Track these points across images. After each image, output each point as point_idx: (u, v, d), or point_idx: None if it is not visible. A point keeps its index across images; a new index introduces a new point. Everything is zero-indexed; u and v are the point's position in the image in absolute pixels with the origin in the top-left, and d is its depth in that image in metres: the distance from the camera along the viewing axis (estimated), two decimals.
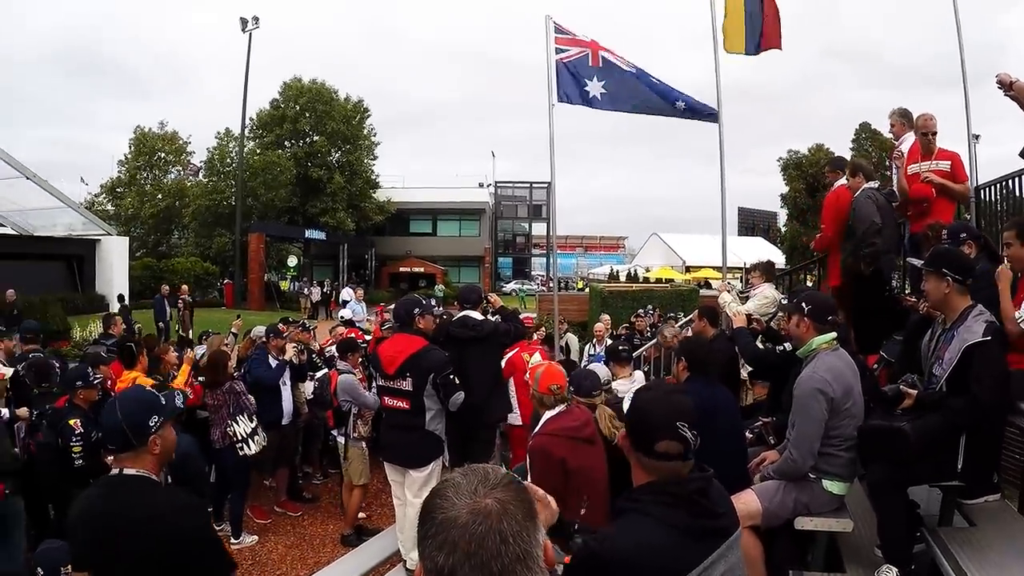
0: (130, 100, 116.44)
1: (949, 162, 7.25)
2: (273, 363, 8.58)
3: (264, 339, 9.09)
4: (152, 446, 2.96)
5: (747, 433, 5.52)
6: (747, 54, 9.25)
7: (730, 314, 7.25)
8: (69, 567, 4.52)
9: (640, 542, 2.26)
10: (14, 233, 27.05)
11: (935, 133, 7.41)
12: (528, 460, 4.52)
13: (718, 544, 2.33)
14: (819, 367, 4.27)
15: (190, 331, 20.42)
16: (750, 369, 7.43)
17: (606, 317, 14.28)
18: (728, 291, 7.91)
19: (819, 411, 4.14)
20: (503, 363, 7.78)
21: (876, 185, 7.13)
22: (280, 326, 9.42)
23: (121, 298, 24.19)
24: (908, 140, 7.81)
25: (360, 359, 8.76)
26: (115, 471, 2.95)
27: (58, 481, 6.23)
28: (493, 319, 7.21)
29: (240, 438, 7.59)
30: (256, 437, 7.71)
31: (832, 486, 4.29)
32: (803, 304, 4.49)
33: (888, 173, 8.64)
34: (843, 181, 7.63)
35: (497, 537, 1.34)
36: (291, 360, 8.85)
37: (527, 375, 5.66)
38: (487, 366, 6.93)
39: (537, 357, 7.71)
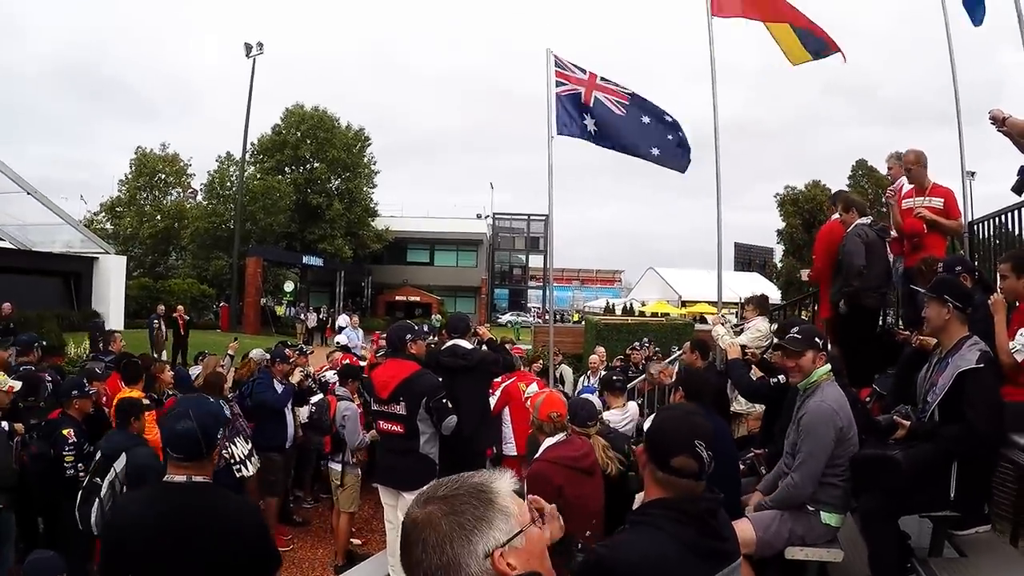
0: (133, 121, 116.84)
1: (942, 199, 7.30)
2: (279, 387, 8.56)
3: (268, 363, 9.09)
4: (214, 456, 3.07)
5: (739, 464, 5.55)
6: (815, 59, 9.30)
7: (723, 347, 7.28)
8: None
9: (648, 553, 2.28)
10: (12, 247, 27.03)
11: (913, 166, 7.48)
12: (525, 486, 4.53)
13: (722, 567, 2.37)
14: (827, 397, 4.31)
15: (163, 352, 20.11)
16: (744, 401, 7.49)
17: (601, 349, 14.31)
18: (722, 323, 7.95)
19: (829, 439, 4.18)
20: (498, 393, 7.82)
21: (868, 221, 7.17)
22: (287, 351, 9.41)
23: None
24: (906, 182, 7.88)
25: (357, 386, 8.78)
26: (181, 478, 2.99)
27: (50, 492, 6.23)
28: (482, 349, 7.25)
29: (238, 460, 7.56)
30: (252, 459, 7.69)
31: (829, 518, 4.30)
32: (816, 339, 4.53)
33: (884, 210, 8.70)
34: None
35: (419, 547, 1.45)
36: (296, 385, 8.86)
37: (527, 403, 5.69)
38: (476, 395, 6.95)
39: (534, 387, 7.74)
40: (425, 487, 1.57)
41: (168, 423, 3.07)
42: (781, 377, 5.70)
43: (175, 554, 2.85)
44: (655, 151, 9.23)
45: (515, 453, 7.66)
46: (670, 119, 9.23)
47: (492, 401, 7.61)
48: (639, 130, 9.21)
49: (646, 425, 2.71)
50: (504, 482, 1.57)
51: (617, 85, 9.16)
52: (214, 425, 3.03)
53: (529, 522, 1.55)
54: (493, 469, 1.64)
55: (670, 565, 2.27)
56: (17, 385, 6.68)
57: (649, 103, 9.22)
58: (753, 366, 6.74)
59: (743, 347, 7.03)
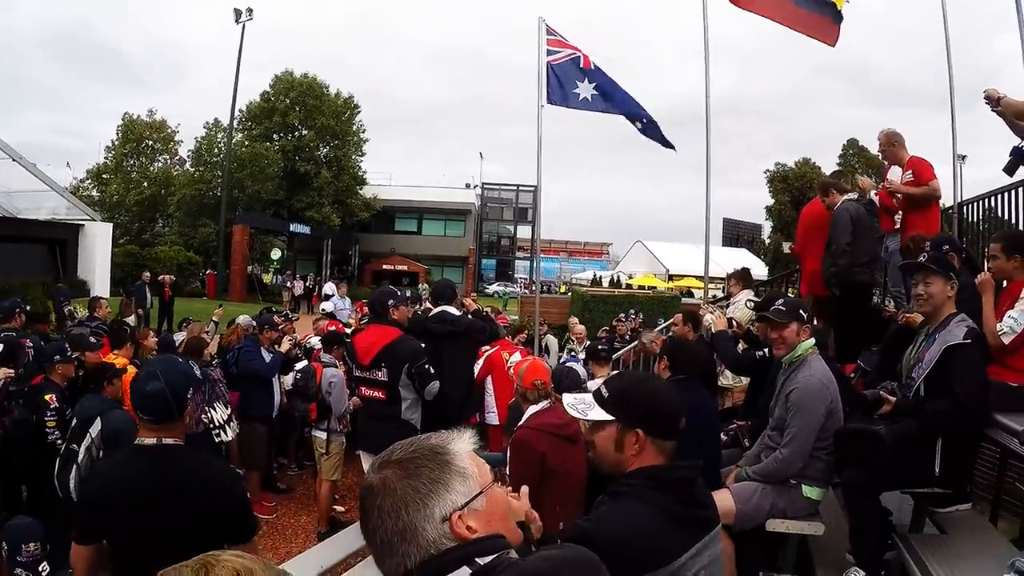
0: (121, 87, 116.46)
1: (912, 170, 7.25)
2: (267, 356, 8.48)
3: (256, 330, 9.01)
4: (186, 417, 3.02)
5: (722, 436, 5.54)
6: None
7: (713, 330, 7.25)
8: (31, 545, 4.50)
9: (632, 525, 2.26)
10: None
11: (885, 147, 7.48)
12: (507, 453, 4.52)
13: (703, 534, 2.35)
14: (815, 371, 4.31)
15: (132, 316, 19.55)
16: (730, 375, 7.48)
17: (575, 319, 14.35)
18: (711, 312, 7.92)
19: (820, 414, 4.19)
20: (481, 361, 7.81)
21: (855, 196, 7.14)
22: (276, 319, 9.33)
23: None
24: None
25: (342, 352, 8.74)
26: (151, 441, 2.95)
27: (32, 459, 6.17)
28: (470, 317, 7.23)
29: (217, 424, 7.52)
30: (231, 424, 7.65)
31: (810, 492, 4.31)
32: (801, 312, 4.53)
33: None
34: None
35: (375, 513, 1.43)
36: (284, 353, 8.80)
37: (510, 372, 5.65)
38: (464, 362, 6.93)
39: (517, 356, 7.73)
40: (383, 453, 1.54)
41: (137, 385, 3.03)
42: (766, 350, 5.69)
43: (148, 517, 2.82)
44: (639, 124, 9.25)
45: (497, 422, 7.68)
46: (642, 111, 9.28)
47: (476, 369, 7.61)
48: (629, 100, 9.23)
49: (593, 414, 2.56)
50: (462, 443, 1.56)
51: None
52: (184, 385, 2.98)
53: (490, 483, 1.54)
54: (455, 430, 1.61)
55: (654, 535, 2.25)
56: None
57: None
58: (739, 339, 6.74)
59: (730, 319, 7.02)
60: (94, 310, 12.08)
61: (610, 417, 2.45)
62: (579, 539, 2.23)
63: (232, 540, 2.94)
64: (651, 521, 2.27)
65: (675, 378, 4.79)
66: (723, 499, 4.15)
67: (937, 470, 4.07)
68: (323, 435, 7.93)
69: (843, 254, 6.72)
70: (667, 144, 9.49)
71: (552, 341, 14.28)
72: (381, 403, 6.03)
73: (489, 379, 7.88)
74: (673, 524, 2.29)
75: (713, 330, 6.73)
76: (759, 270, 52.31)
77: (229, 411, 7.68)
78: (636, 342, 10.98)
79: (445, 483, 1.46)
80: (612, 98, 9.05)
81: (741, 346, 6.68)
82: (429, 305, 7.77)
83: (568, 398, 2.66)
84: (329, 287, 22.75)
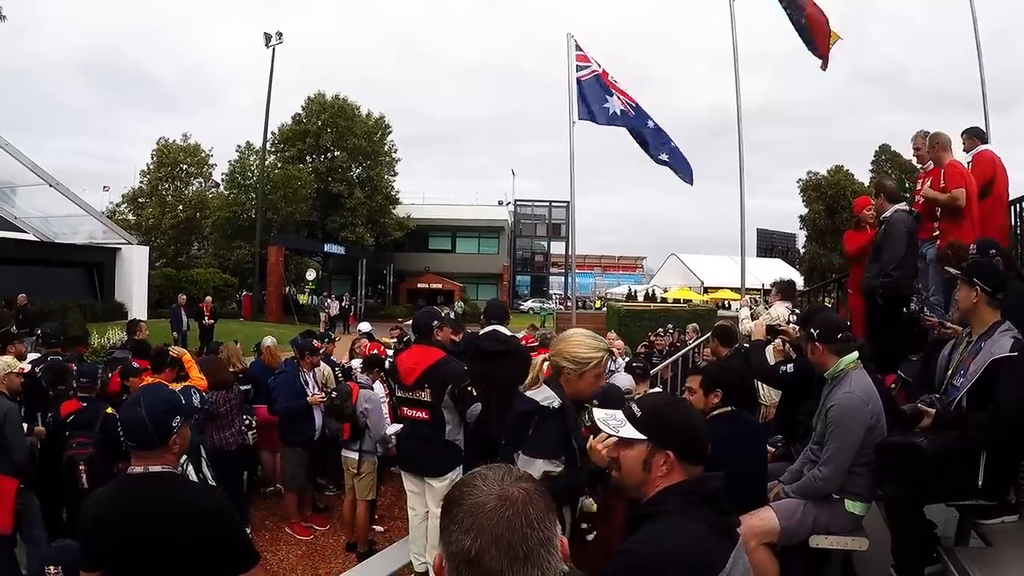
0: (155, 112, 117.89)
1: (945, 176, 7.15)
2: (310, 381, 8.56)
3: (296, 356, 8.89)
4: (172, 445, 2.99)
5: (770, 448, 5.48)
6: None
7: (744, 330, 7.16)
8: (51, 568, 4.54)
9: (684, 541, 2.22)
10: (36, 239, 27.26)
11: (942, 151, 7.37)
12: None
13: (735, 543, 2.33)
14: (855, 387, 4.25)
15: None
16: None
17: (613, 335, 14.25)
18: (748, 306, 7.84)
19: (859, 432, 4.13)
20: None
21: (907, 208, 7.07)
22: (315, 343, 9.31)
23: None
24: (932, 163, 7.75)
25: (380, 373, 8.72)
26: (138, 469, 2.95)
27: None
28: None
29: (254, 426, 7.79)
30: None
31: (854, 507, 4.26)
32: (811, 330, 4.49)
33: (909, 195, 8.55)
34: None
35: (523, 520, 1.39)
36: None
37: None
38: (514, 382, 6.91)
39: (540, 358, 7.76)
40: (492, 470, 1.53)
41: (122, 412, 3.06)
42: (790, 366, 5.65)
43: (132, 546, 2.83)
44: (663, 156, 9.25)
45: None
46: (667, 137, 9.28)
47: None
48: (648, 132, 9.24)
49: (624, 432, 2.52)
50: None
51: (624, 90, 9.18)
52: (166, 412, 2.96)
53: None
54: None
55: (704, 550, 2.22)
56: (27, 366, 6.67)
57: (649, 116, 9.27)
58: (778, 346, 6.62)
59: (773, 327, 6.89)
60: (134, 333, 12.13)
61: (642, 436, 2.44)
62: (632, 565, 2.21)
63: (230, 570, 2.95)
64: (700, 536, 2.24)
65: (728, 406, 4.62)
66: (767, 516, 4.12)
67: (980, 482, 4.02)
68: (355, 455, 7.89)
69: (898, 267, 6.65)
70: (685, 175, 9.50)
71: None
72: (425, 424, 6.01)
73: None
74: (715, 536, 2.27)
75: (752, 338, 6.67)
76: (795, 280, 51.92)
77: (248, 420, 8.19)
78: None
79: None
80: (636, 117, 9.06)
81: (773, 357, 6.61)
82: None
83: (599, 413, 2.63)
84: (365, 326, 22.95)
